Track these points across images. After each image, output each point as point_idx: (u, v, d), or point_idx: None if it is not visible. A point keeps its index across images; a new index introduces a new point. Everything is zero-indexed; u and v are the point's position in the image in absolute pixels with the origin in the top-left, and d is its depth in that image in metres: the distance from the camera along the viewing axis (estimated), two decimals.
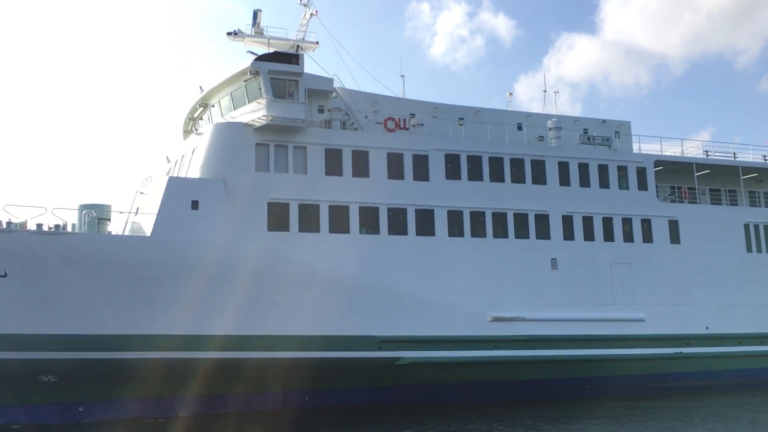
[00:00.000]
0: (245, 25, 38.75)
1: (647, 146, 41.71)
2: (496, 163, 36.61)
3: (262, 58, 33.08)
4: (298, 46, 40.26)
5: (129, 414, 30.08)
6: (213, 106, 36.23)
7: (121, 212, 32.75)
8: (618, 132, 42.66)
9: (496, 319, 34.67)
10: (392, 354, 32.80)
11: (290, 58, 33.39)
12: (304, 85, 33.38)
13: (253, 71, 32.78)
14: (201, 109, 37.17)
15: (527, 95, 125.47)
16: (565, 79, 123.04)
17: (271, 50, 37.57)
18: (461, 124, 38.98)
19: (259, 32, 39.18)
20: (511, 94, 42.16)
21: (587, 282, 36.93)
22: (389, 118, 35.50)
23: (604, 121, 42.59)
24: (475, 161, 36.23)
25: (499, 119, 39.57)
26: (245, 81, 33.34)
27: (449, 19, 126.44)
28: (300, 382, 32.41)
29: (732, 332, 39.18)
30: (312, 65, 39.47)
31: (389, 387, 33.55)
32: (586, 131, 41.46)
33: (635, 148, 41.88)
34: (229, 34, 38.73)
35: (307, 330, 31.66)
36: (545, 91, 43.52)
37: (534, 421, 30.03)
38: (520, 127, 40.32)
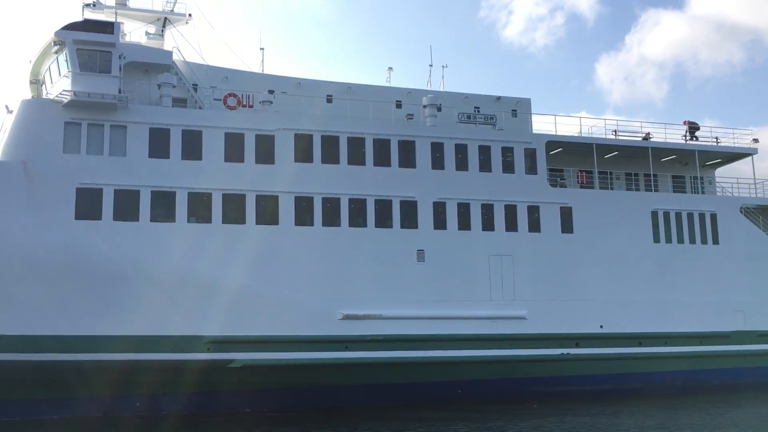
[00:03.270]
0: None
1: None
2: (356, 144, 34.21)
3: (69, 27, 30.88)
4: (166, 19, 38.26)
5: None
6: (43, 83, 34.16)
7: None
8: (516, 110, 40.15)
9: (348, 317, 32.38)
10: (224, 356, 30.67)
11: (103, 26, 31.19)
12: (119, 57, 31.15)
13: (58, 42, 30.64)
14: (35, 85, 35.11)
15: (608, 76, 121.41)
16: (648, 58, 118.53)
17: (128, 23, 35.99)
18: (330, 102, 36.75)
19: (121, 3, 37.11)
20: (390, 68, 39.61)
21: (460, 276, 34.47)
22: (230, 95, 33.18)
23: (499, 97, 40.05)
24: (330, 142, 33.85)
25: (374, 96, 37.25)
26: (55, 53, 31.21)
27: None
28: (126, 386, 30.38)
29: (631, 331, 36.53)
30: (182, 41, 37.16)
31: (228, 392, 31.40)
32: (477, 109, 38.94)
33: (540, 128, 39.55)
34: (86, 5, 36.61)
35: (123, 329, 29.57)
36: (431, 66, 40.77)
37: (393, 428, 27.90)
38: (399, 105, 37.98)
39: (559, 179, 38.37)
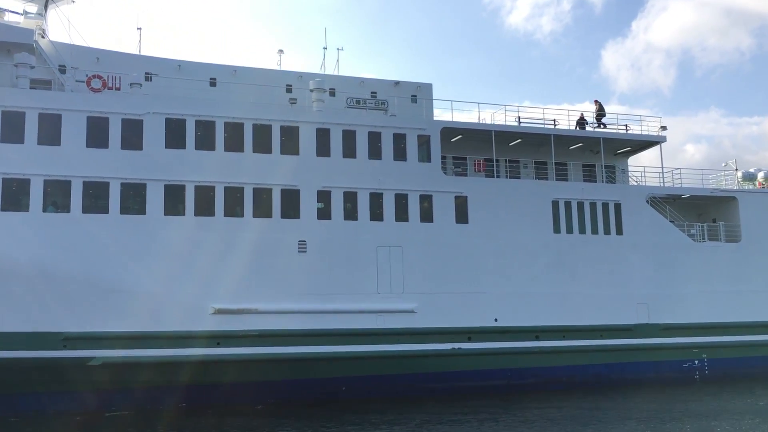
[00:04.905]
0: None
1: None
2: (234, 129, 32.94)
3: None
4: (47, 0, 36.68)
5: None
6: None
7: None
8: (415, 96, 39.14)
9: (220, 312, 31.20)
10: (81, 353, 29.36)
11: None
12: None
13: None
14: None
15: (615, 63, 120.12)
16: (655, 45, 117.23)
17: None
18: (213, 85, 35.50)
19: None
20: (281, 51, 38.37)
21: (344, 268, 33.41)
22: (95, 76, 31.74)
23: (397, 82, 39.01)
24: (206, 127, 32.56)
25: (262, 80, 36.02)
26: None
27: None
28: None
29: (527, 325, 35.78)
30: (66, 22, 35.65)
31: (88, 391, 29.95)
32: (374, 94, 37.90)
33: (437, 114, 38.58)
34: None
35: None
36: (326, 48, 39.54)
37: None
38: (289, 90, 36.80)
39: (453, 167, 37.44)
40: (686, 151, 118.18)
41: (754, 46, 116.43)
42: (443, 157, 37.71)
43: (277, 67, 38.06)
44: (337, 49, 39.59)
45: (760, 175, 43.80)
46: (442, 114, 38.67)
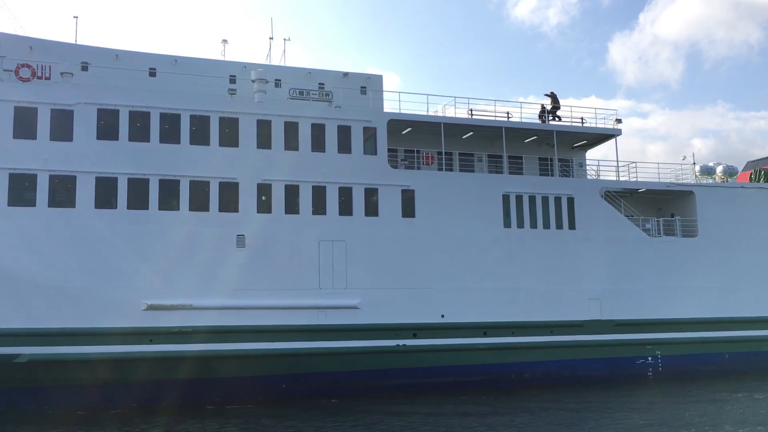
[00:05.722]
0: None
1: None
2: (170, 120, 32.19)
3: None
4: None
5: None
6: None
7: None
8: (365, 87, 38.50)
9: (153, 308, 30.49)
10: (8, 350, 28.61)
11: None
12: None
13: None
14: None
15: (621, 56, 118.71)
16: (662, 38, 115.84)
17: None
18: (153, 75, 34.75)
19: None
20: (225, 41, 37.63)
21: (285, 263, 32.75)
22: (24, 65, 30.96)
23: (346, 74, 38.36)
24: (140, 118, 31.80)
25: (205, 70, 35.29)
26: None
27: None
28: None
29: (475, 321, 35.22)
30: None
31: (16, 389, 29.26)
32: (322, 86, 37.22)
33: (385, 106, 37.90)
34: None
35: None
36: (272, 38, 38.89)
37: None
38: (233, 80, 36.09)
39: (400, 160, 36.83)
40: (693, 146, 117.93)
41: (763, 39, 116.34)
42: (394, 151, 37.23)
43: (221, 58, 37.28)
44: (284, 39, 38.92)
45: (719, 170, 43.42)
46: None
